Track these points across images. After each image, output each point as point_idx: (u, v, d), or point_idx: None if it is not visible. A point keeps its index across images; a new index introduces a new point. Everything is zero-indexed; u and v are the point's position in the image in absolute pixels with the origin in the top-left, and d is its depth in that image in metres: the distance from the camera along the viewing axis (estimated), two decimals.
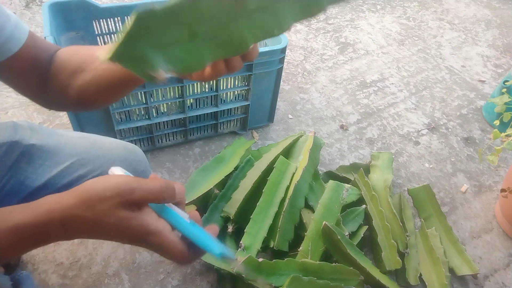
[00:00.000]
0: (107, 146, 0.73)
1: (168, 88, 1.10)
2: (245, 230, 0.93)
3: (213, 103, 1.21)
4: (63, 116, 1.34)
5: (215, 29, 0.35)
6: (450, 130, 1.46)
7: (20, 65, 0.52)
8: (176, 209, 0.42)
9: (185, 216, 0.42)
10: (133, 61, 0.33)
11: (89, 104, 0.57)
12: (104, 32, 1.28)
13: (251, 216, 0.94)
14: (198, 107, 1.19)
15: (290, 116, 1.45)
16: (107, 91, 0.52)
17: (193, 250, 0.41)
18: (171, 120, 1.18)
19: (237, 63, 0.43)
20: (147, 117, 1.14)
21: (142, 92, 1.07)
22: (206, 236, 0.41)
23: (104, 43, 1.35)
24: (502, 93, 1.32)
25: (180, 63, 0.34)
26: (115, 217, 0.38)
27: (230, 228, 0.98)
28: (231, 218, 0.98)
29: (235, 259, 0.42)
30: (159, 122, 1.17)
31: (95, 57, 0.52)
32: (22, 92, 0.56)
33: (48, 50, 0.55)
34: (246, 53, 0.42)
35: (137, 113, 1.14)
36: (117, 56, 0.33)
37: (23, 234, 0.39)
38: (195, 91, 1.15)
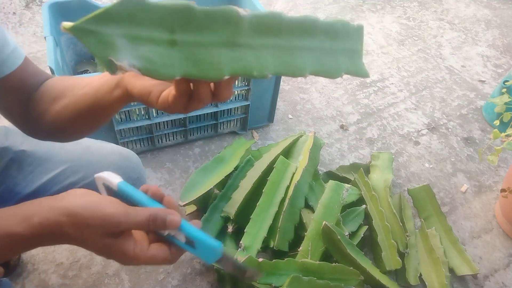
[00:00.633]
0: (101, 152, 0.72)
1: None
2: (245, 230, 0.93)
3: (213, 103, 1.21)
4: None
5: (197, 45, 0.34)
6: (450, 130, 1.46)
7: (7, 87, 0.52)
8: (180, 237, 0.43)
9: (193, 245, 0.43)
10: (97, 41, 0.31)
11: (61, 131, 0.56)
12: None
13: (251, 216, 0.94)
14: None
15: (290, 116, 1.45)
16: (80, 117, 0.51)
17: (176, 249, 0.43)
18: (171, 120, 1.18)
19: (205, 95, 0.39)
20: (147, 117, 1.14)
21: None
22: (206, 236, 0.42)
23: None
24: (502, 93, 1.32)
25: (148, 64, 0.33)
26: (98, 243, 0.40)
27: (230, 228, 0.98)
28: (231, 218, 0.98)
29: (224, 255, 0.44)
30: (159, 122, 1.17)
31: (75, 84, 0.52)
32: (3, 113, 0.56)
33: (37, 76, 0.55)
34: (218, 90, 0.39)
35: (137, 113, 1.14)
36: (83, 29, 0.31)
37: (15, 242, 0.40)
38: None
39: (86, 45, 0.31)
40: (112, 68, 0.32)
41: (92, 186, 0.44)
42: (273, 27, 0.36)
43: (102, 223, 0.39)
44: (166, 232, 0.42)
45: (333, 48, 0.40)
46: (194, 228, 0.42)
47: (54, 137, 0.58)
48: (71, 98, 0.51)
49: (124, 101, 0.47)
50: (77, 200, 0.40)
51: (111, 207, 0.40)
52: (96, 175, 0.44)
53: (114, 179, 0.44)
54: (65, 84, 0.53)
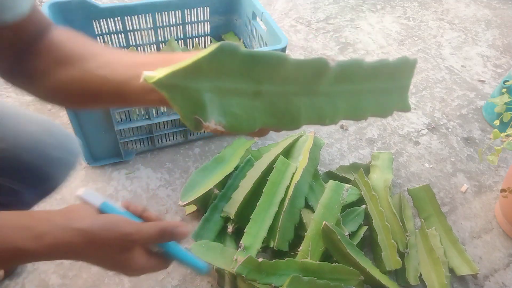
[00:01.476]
0: (16, 119, 0.61)
1: None
2: (245, 230, 0.92)
3: None
4: (63, 116, 1.34)
5: (279, 95, 0.33)
6: (450, 130, 1.46)
7: (4, 36, 0.43)
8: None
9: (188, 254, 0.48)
10: (185, 98, 0.28)
11: (60, 101, 0.50)
12: (104, 32, 1.28)
13: (251, 216, 0.94)
14: None
15: None
16: (91, 98, 0.45)
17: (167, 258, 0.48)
18: (171, 120, 1.18)
19: (266, 132, 0.40)
20: (147, 117, 1.14)
21: None
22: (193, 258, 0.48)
23: (104, 43, 1.35)
24: (502, 93, 1.32)
25: (233, 120, 0.31)
26: (113, 260, 0.43)
27: (230, 228, 0.98)
28: (231, 218, 0.98)
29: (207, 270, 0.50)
30: (159, 122, 1.17)
31: (91, 55, 0.44)
32: None
33: (38, 25, 0.46)
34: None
35: (137, 113, 1.13)
36: (170, 84, 0.27)
37: (26, 257, 0.40)
38: None
39: (171, 103, 0.28)
40: (198, 127, 0.30)
41: None
42: (353, 74, 0.36)
43: (119, 243, 0.42)
44: (156, 248, 0.47)
45: (391, 87, 0.41)
46: (181, 251, 0.47)
47: (50, 100, 0.51)
48: (84, 74, 0.43)
49: (159, 105, 0.41)
50: (88, 220, 0.42)
51: (125, 226, 0.42)
52: (77, 194, 0.46)
53: (96, 200, 0.45)
54: (75, 48, 0.45)
